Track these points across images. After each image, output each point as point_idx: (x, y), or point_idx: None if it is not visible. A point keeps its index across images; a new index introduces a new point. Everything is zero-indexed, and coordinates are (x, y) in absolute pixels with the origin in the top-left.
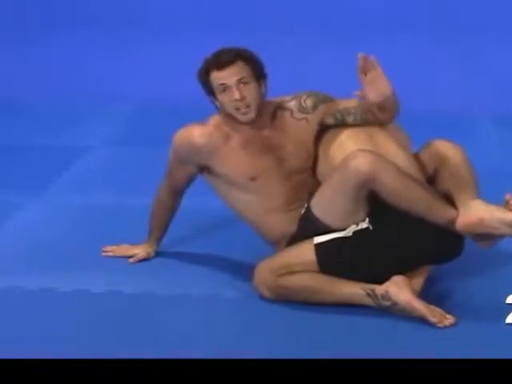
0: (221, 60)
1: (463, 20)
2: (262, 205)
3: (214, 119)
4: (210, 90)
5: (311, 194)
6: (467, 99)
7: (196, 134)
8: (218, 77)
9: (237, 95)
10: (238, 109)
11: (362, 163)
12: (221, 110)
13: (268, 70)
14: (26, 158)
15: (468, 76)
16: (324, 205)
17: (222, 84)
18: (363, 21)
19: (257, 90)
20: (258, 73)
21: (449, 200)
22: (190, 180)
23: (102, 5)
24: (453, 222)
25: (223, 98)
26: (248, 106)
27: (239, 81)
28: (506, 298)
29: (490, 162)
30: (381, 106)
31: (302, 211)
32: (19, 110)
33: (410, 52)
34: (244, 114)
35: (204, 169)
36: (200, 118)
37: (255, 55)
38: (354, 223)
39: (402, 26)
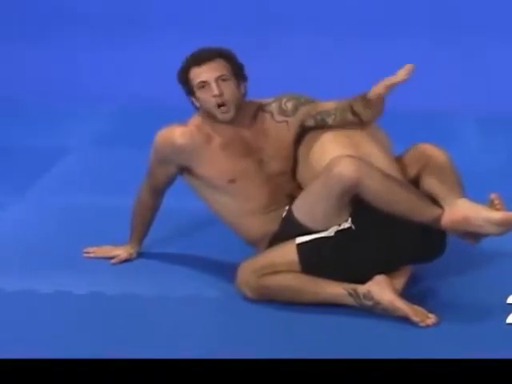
0: (200, 57)
1: (459, 19)
2: (241, 207)
3: (196, 120)
4: (189, 89)
5: (291, 196)
6: (455, 98)
7: (177, 134)
8: (197, 73)
9: (216, 91)
10: (217, 106)
11: (345, 169)
12: (200, 109)
13: (266, 70)
14: (9, 158)
15: (460, 76)
16: (306, 209)
17: (202, 81)
18: (362, 21)
19: (236, 89)
20: (238, 72)
21: (433, 200)
22: (171, 180)
23: (90, 3)
24: (438, 220)
25: (202, 94)
26: (226, 104)
27: (218, 78)
28: (488, 297)
29: (475, 161)
30: (372, 102)
31: (283, 214)
32: (2, 110)
33: (406, 52)
34: (224, 112)
35: (184, 169)
36: (184, 119)
37: (235, 55)
38: (336, 224)
39: (400, 26)
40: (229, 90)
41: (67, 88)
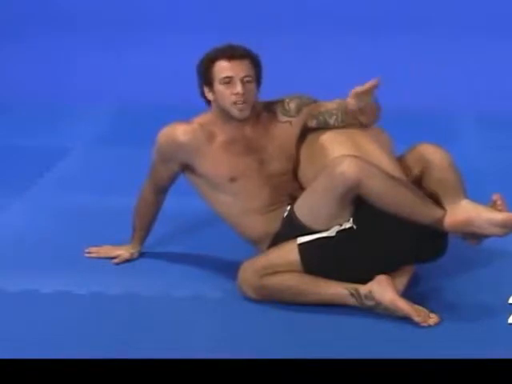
0: (232, 52)
1: (459, 19)
2: (242, 206)
3: (200, 118)
4: (208, 79)
5: (292, 196)
6: (455, 98)
7: (180, 131)
8: (225, 67)
9: (240, 89)
10: (235, 103)
11: (348, 169)
12: (212, 102)
13: (263, 70)
14: (9, 158)
15: (460, 76)
16: (308, 209)
17: (228, 77)
18: (361, 19)
19: (255, 92)
20: (258, 77)
21: (435, 201)
22: (173, 178)
23: (87, 4)
24: (440, 221)
25: (223, 89)
26: (245, 103)
27: (244, 77)
28: (490, 297)
29: (475, 161)
30: (360, 111)
31: (285, 214)
32: (2, 110)
33: (406, 51)
34: (240, 109)
35: (186, 167)
36: (184, 119)
37: (260, 61)
38: (338, 224)
39: (400, 25)
40: (250, 91)
41: (67, 88)
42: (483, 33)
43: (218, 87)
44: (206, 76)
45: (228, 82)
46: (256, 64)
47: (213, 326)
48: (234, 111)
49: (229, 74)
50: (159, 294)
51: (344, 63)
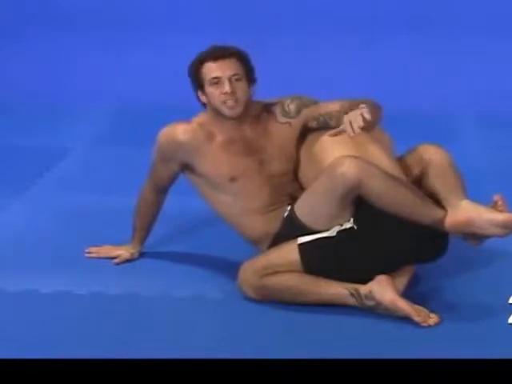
0: (217, 53)
1: (459, 19)
2: (242, 206)
3: (199, 118)
4: (199, 82)
5: (292, 196)
6: (455, 98)
7: (179, 130)
8: (212, 68)
9: (228, 88)
10: (224, 102)
11: (348, 170)
12: (207, 105)
13: (263, 70)
14: (9, 158)
15: (460, 76)
16: (308, 209)
17: (215, 77)
18: (360, 20)
19: (247, 89)
20: (250, 74)
21: (435, 201)
22: (173, 179)
23: (87, 4)
24: (441, 221)
25: (213, 90)
26: (236, 101)
27: (232, 76)
28: (490, 297)
29: (475, 161)
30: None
31: (285, 214)
32: (2, 110)
33: (406, 52)
34: (231, 107)
35: (186, 167)
36: (184, 119)
37: (249, 57)
38: (338, 224)
39: (400, 25)
40: (240, 89)
41: (67, 88)
42: (483, 33)
43: (209, 89)
44: (196, 80)
45: (216, 83)
46: (244, 61)
47: (213, 326)
48: (225, 110)
49: (216, 74)
50: (159, 293)
51: (344, 63)
